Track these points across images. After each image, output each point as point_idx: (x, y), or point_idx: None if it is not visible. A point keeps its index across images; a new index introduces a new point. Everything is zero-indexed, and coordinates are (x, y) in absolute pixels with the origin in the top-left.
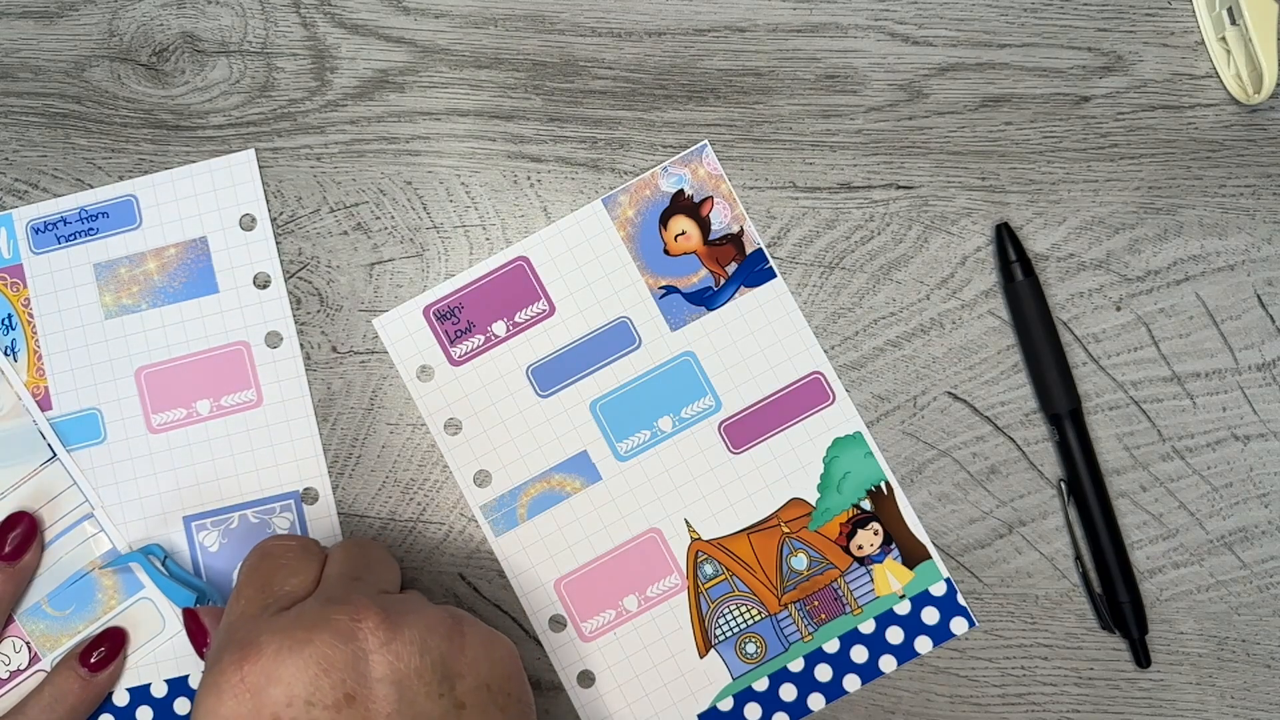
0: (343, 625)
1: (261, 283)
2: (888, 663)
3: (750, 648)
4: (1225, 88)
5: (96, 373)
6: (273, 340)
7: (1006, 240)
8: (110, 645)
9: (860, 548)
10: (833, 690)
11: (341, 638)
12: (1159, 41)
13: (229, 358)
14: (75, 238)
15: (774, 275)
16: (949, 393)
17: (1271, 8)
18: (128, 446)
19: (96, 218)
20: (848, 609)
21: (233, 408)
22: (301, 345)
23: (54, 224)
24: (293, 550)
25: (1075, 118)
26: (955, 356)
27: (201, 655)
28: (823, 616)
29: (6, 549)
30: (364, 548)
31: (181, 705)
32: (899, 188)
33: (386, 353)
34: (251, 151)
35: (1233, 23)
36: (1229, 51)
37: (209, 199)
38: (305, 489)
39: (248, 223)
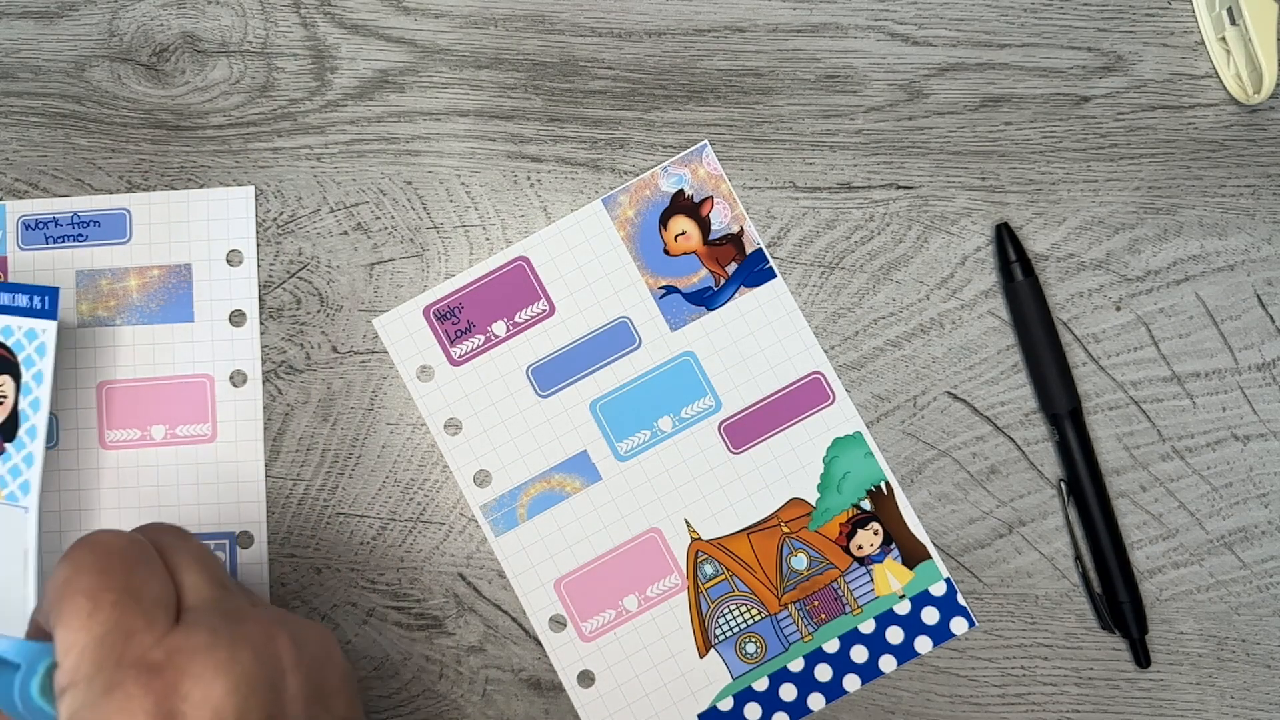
0: (261, 645)
1: (236, 320)
2: (888, 663)
3: (750, 648)
4: (1225, 88)
5: (59, 379)
6: (237, 379)
7: (1006, 240)
8: None
9: (860, 548)
10: (833, 690)
11: (262, 659)
12: (1159, 41)
13: (191, 388)
14: (63, 241)
15: (774, 275)
16: (949, 393)
17: (1271, 8)
18: (77, 457)
19: (87, 225)
20: (848, 609)
21: (186, 438)
22: (301, 345)
23: (45, 223)
24: (138, 545)
25: (1075, 118)
26: (955, 356)
27: None
28: (823, 616)
29: None
30: (202, 551)
31: None
32: (899, 188)
33: (386, 353)
34: (251, 189)
35: (1233, 23)
36: (1229, 51)
37: (201, 228)
38: (242, 532)
39: (234, 258)
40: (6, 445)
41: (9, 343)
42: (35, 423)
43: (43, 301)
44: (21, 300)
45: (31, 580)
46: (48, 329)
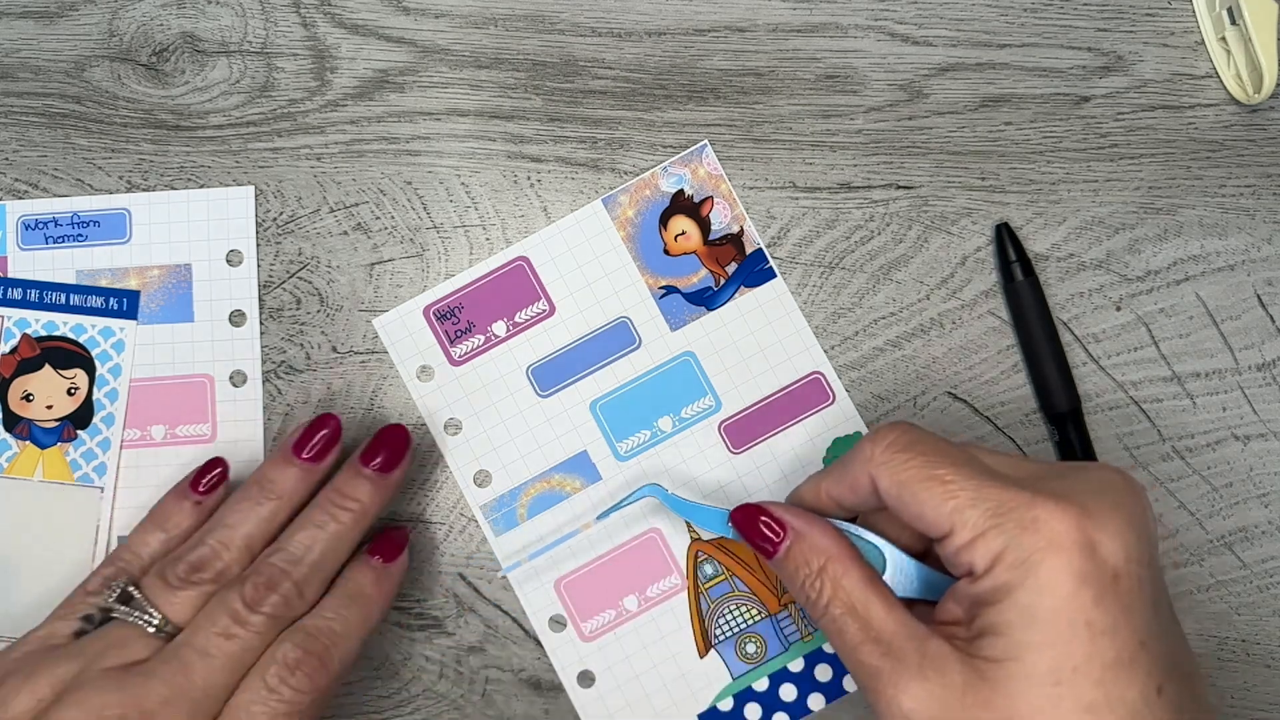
0: (1143, 495)
1: (236, 320)
2: None
3: (750, 648)
4: (1225, 88)
5: None
6: (237, 379)
7: (1006, 240)
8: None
9: None
10: (833, 690)
11: (1148, 508)
12: (1159, 41)
13: (191, 388)
14: (63, 241)
15: (774, 275)
16: (949, 393)
17: (1271, 8)
18: None
19: (87, 225)
20: None
21: (186, 439)
22: (301, 345)
23: (45, 223)
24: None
25: (1075, 118)
26: (955, 356)
27: (769, 554)
28: None
29: (379, 461)
30: None
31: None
32: (899, 188)
33: (386, 353)
34: (250, 189)
35: (1233, 23)
36: (1229, 51)
37: (201, 228)
38: None
39: (234, 258)
40: (80, 432)
41: (82, 340)
42: (113, 411)
43: (120, 303)
44: (96, 301)
45: (99, 558)
46: (126, 328)
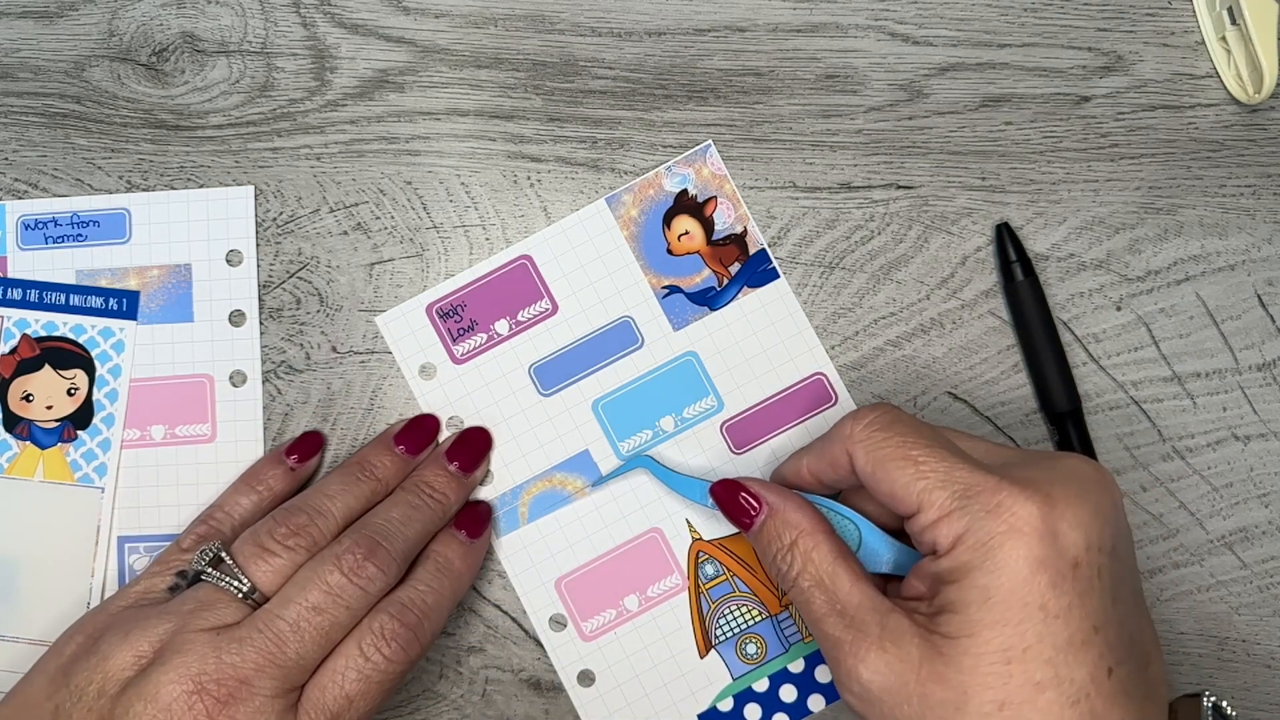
0: (1112, 486)
1: (236, 320)
2: None
3: (751, 648)
4: (1225, 88)
5: None
6: (237, 379)
7: (1006, 240)
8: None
9: None
10: (833, 691)
11: (1117, 498)
12: (1159, 41)
13: (190, 388)
14: (63, 241)
15: (777, 275)
16: (949, 393)
17: (1271, 8)
18: None
19: (87, 225)
20: None
21: (186, 438)
22: (301, 345)
23: (45, 223)
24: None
25: (1075, 118)
26: (955, 356)
27: (745, 527)
28: None
29: (460, 462)
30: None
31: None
32: (899, 188)
33: (386, 353)
34: (250, 188)
35: (1233, 23)
36: (1229, 51)
37: (201, 228)
38: None
39: (234, 258)
40: (80, 433)
41: (82, 340)
42: (113, 412)
43: (120, 303)
44: (96, 302)
45: (100, 557)
46: (126, 328)
